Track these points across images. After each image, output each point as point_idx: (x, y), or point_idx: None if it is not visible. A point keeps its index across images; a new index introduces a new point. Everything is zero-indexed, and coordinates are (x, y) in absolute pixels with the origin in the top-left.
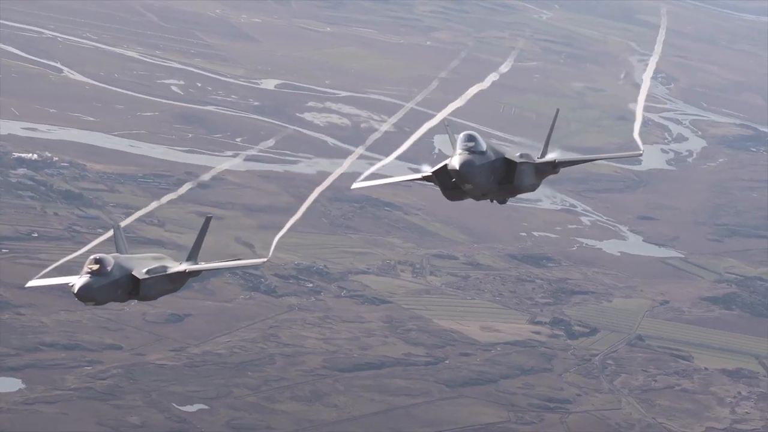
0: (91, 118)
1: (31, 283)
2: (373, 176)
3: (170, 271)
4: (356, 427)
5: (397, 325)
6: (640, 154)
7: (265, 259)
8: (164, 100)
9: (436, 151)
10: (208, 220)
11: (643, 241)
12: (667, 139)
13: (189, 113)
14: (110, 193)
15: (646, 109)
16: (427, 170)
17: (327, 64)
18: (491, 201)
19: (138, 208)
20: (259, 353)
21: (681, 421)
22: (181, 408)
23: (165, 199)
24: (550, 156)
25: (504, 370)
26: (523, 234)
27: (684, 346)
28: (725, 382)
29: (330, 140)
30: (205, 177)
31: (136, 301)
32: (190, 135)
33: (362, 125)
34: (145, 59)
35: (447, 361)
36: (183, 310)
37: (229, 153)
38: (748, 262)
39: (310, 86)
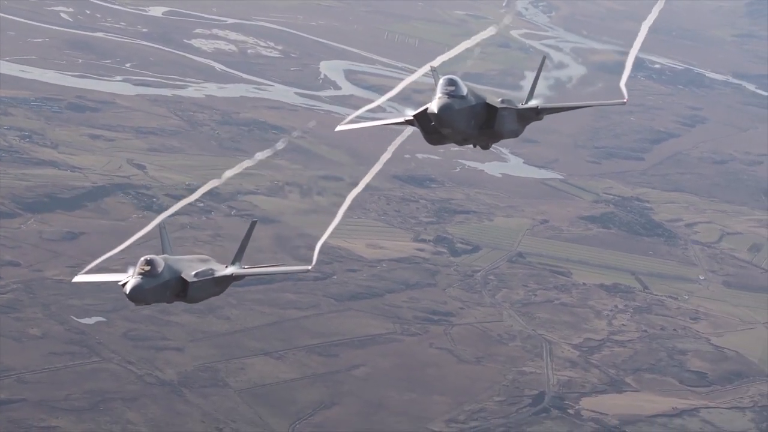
0: None
1: (78, 278)
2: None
3: (217, 274)
4: (248, 337)
5: (285, 242)
6: (624, 103)
7: (310, 267)
8: (54, 27)
9: (322, 76)
10: (253, 224)
11: (524, 163)
12: (547, 65)
13: (79, 39)
14: (3, 116)
15: (527, 36)
16: (409, 114)
17: None
18: (474, 146)
19: (31, 131)
20: None
21: (560, 333)
22: (79, 320)
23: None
24: (533, 102)
25: (390, 285)
26: (407, 156)
27: (563, 262)
28: (603, 297)
29: (218, 66)
30: None
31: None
32: (80, 60)
33: (249, 51)
34: None
35: (335, 277)
36: (78, 228)
37: (119, 78)
38: (626, 183)
39: (197, 13)
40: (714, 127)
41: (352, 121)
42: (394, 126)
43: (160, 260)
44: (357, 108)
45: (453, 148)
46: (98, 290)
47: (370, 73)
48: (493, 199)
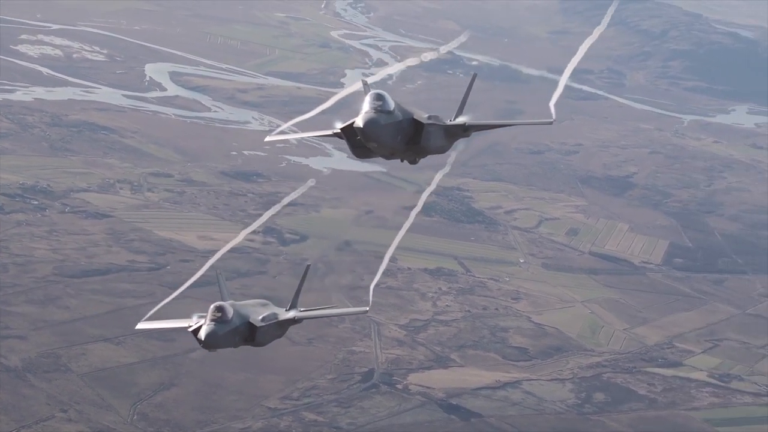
0: None
1: (140, 325)
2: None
3: (281, 318)
4: (88, 325)
5: (119, 236)
6: (551, 123)
7: (367, 309)
8: None
9: (147, 78)
10: (307, 268)
11: (347, 157)
12: (368, 63)
13: None
14: None
15: (347, 36)
16: (337, 126)
17: None
18: (401, 161)
19: None
20: None
21: (387, 314)
22: None
23: None
24: (461, 119)
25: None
26: (234, 153)
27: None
28: (427, 280)
29: (45, 70)
30: None
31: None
32: None
33: (75, 56)
34: None
35: (168, 267)
36: None
37: None
38: (446, 174)
39: (22, 20)
40: (530, 118)
41: (280, 133)
42: (322, 137)
43: (229, 307)
44: (183, 108)
45: (278, 144)
46: None
47: (195, 74)
48: (319, 192)
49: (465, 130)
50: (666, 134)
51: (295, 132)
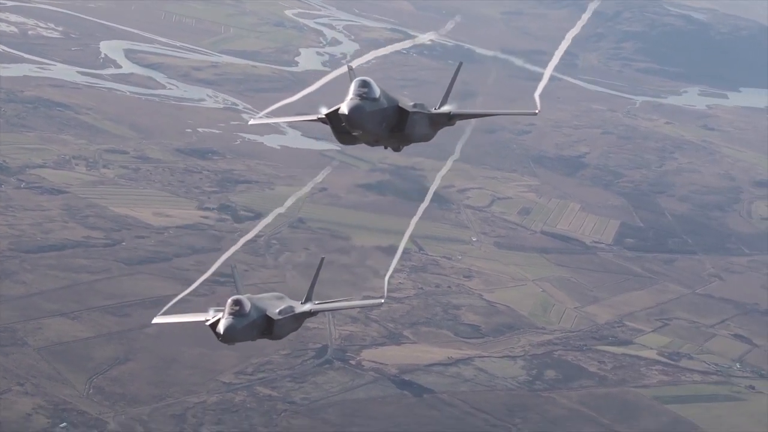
0: None
1: (157, 320)
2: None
3: (298, 311)
4: (44, 300)
5: (75, 212)
6: (536, 113)
7: (383, 300)
8: None
9: (102, 55)
10: (321, 261)
11: (302, 135)
12: (322, 42)
13: None
14: None
15: (301, 15)
16: (322, 112)
17: None
18: (385, 148)
19: None
20: None
21: (341, 291)
22: None
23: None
24: (446, 108)
25: (177, 250)
26: (189, 130)
27: (342, 227)
28: (380, 257)
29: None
30: None
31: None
32: None
33: (30, 32)
34: None
35: (124, 243)
36: None
37: None
38: (400, 153)
39: None
40: (484, 100)
41: (264, 116)
42: (307, 122)
43: (246, 300)
44: (138, 85)
45: (232, 122)
46: None
47: (150, 52)
48: (273, 170)
49: (449, 119)
50: (618, 115)
51: (278, 116)
